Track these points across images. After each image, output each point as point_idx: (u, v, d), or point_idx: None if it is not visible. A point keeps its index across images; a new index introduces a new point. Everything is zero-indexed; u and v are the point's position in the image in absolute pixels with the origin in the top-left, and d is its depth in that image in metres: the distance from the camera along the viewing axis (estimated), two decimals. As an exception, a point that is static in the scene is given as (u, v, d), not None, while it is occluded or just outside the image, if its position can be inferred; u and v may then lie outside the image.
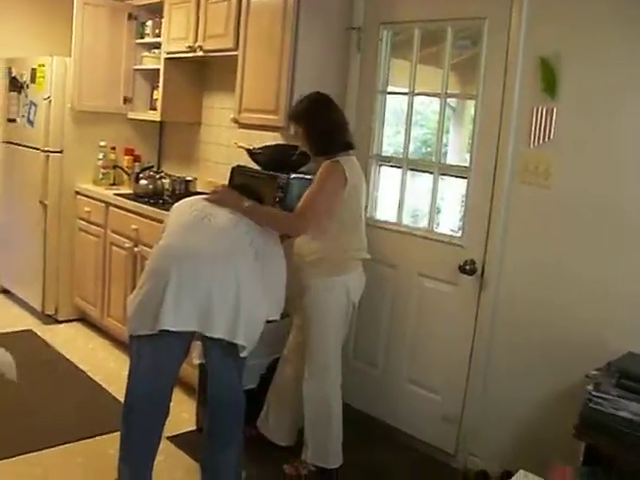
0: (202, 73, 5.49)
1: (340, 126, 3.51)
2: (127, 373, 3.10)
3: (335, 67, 4.37)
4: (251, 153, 4.46)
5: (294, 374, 3.70)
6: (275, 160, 4.34)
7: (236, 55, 4.54)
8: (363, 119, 4.36)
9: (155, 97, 5.56)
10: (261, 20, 4.34)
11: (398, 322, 4.24)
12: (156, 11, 5.47)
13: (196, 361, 3.77)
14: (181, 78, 5.37)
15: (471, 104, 3.99)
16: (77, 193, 5.63)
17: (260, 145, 4.49)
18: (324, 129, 3.46)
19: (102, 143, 5.58)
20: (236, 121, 4.55)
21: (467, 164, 3.91)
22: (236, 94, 4.54)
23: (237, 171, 4.53)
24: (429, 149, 4.57)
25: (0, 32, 6.04)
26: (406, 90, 4.18)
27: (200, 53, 4.87)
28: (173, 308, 2.91)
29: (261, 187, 4.25)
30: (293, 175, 4.20)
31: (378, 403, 4.36)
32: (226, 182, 4.73)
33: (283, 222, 3.39)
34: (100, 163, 5.59)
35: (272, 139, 4.60)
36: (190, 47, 4.90)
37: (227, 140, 5.24)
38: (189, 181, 5.21)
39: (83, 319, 5.71)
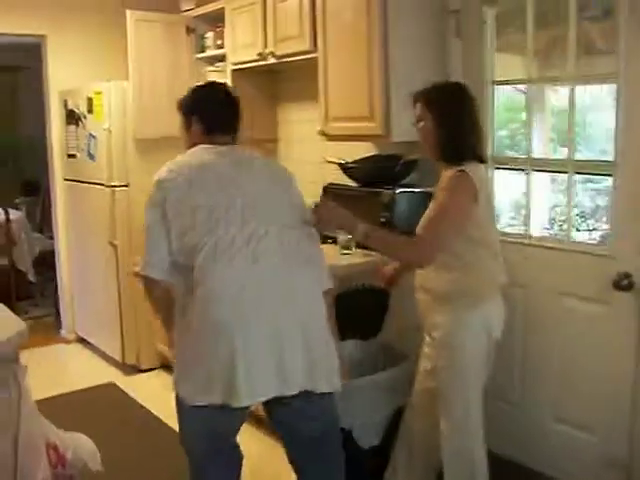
0: (274, 83, 4.95)
1: (477, 129, 2.89)
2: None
3: (432, 59, 3.74)
4: (344, 168, 3.88)
5: (425, 427, 3.11)
6: (374, 173, 3.76)
7: (315, 58, 3.99)
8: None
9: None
10: (342, 14, 3.75)
11: (534, 351, 3.60)
12: (216, 20, 4.95)
13: None
14: (252, 91, 4.83)
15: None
16: (149, 229, 5.10)
17: (353, 158, 3.91)
18: (460, 128, 2.82)
19: (170, 171, 5.04)
20: (323, 133, 3.97)
21: (611, 158, 3.23)
22: (320, 102, 3.97)
23: (330, 190, 3.95)
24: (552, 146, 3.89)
25: (53, 63, 5.60)
26: (522, 77, 3.55)
27: (272, 60, 4.33)
28: (246, 379, 2.40)
29: (361, 207, 3.70)
30: (399, 190, 3.60)
31: (516, 445, 3.71)
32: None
33: (404, 251, 2.81)
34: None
35: (365, 150, 4.04)
36: (260, 54, 4.36)
37: (311, 155, 4.67)
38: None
39: (167, 366, 5.19)
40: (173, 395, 2.61)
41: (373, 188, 3.70)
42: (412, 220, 3.62)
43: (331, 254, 3.64)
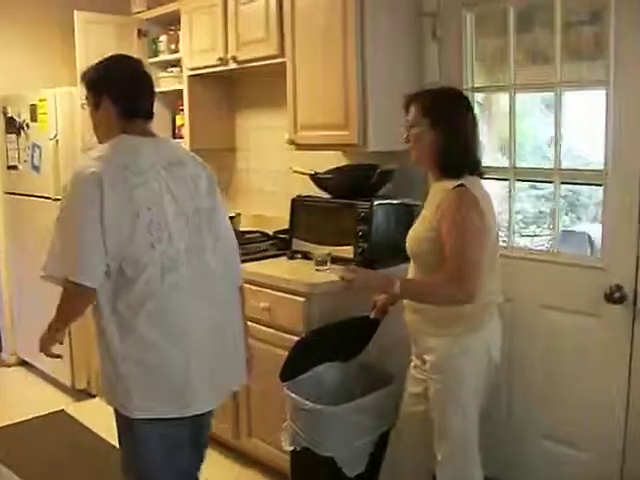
0: (232, 89, 4.71)
1: (477, 140, 2.69)
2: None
3: (408, 64, 3.57)
4: (316, 178, 3.65)
5: (412, 452, 2.93)
6: (349, 184, 3.55)
7: (281, 63, 3.75)
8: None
9: (179, 123, 4.75)
10: (313, 16, 3.54)
11: (520, 365, 3.44)
12: (170, 23, 4.70)
13: (287, 447, 3.08)
14: (209, 98, 4.58)
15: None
16: (98, 245, 4.78)
17: (320, 168, 3.70)
18: (463, 138, 2.62)
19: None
20: (292, 142, 3.73)
21: (600, 167, 3.09)
22: (288, 110, 3.74)
23: (300, 203, 3.73)
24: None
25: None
26: (502, 84, 3.39)
27: (234, 65, 4.07)
28: (205, 382, 2.46)
29: (335, 219, 3.51)
30: (377, 201, 3.40)
31: (502, 464, 3.53)
32: (285, 216, 3.97)
33: (446, 294, 2.57)
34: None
35: (333, 160, 3.84)
36: (221, 59, 4.10)
37: (272, 165, 4.45)
38: (232, 217, 4.32)
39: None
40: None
41: (348, 200, 3.49)
42: (389, 233, 3.47)
43: (304, 271, 3.41)
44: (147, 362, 2.36)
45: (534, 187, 3.96)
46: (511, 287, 3.40)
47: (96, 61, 2.55)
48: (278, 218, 4.29)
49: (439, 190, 2.62)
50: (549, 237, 3.60)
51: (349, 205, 3.44)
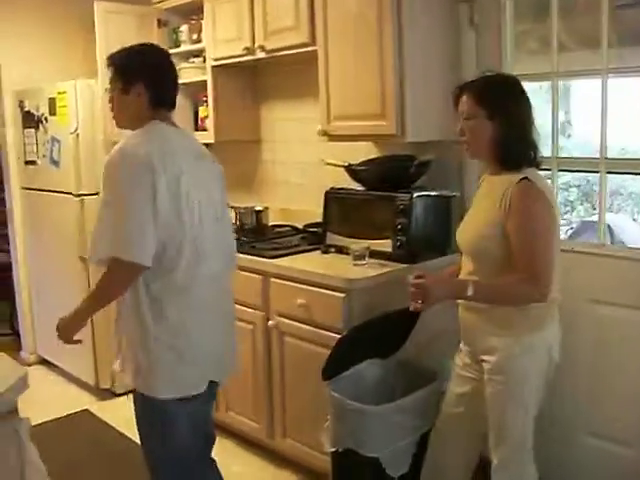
0: (258, 80, 4.57)
1: (535, 129, 2.54)
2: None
3: (444, 52, 3.45)
4: (352, 171, 3.54)
5: (455, 453, 2.83)
6: (387, 176, 3.43)
7: (311, 52, 3.64)
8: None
9: (202, 115, 4.63)
10: (346, 2, 3.42)
11: (568, 361, 3.31)
12: (191, 12, 4.57)
13: (329, 448, 2.98)
14: (233, 88, 4.46)
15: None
16: (121, 241, 4.68)
17: (352, 160, 3.59)
18: (522, 128, 2.48)
19: (145, 178, 4.62)
20: (325, 133, 3.62)
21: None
22: (321, 100, 3.62)
23: (333, 196, 3.62)
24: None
25: (6, 59, 5.12)
26: (546, 71, 3.27)
27: (261, 54, 3.95)
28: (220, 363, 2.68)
29: (372, 212, 3.41)
30: (417, 193, 3.29)
31: (547, 461, 3.42)
32: (313, 209, 3.87)
33: (523, 294, 2.46)
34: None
35: (363, 151, 3.72)
36: (247, 49, 3.98)
37: (300, 157, 4.33)
38: (259, 211, 4.24)
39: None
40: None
41: (385, 192, 3.38)
42: (428, 226, 3.36)
43: (341, 266, 3.30)
44: (178, 347, 2.45)
45: (546, 177, 3.82)
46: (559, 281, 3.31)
47: (122, 47, 2.58)
48: (306, 211, 4.19)
49: (499, 183, 2.49)
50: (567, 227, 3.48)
51: (387, 197, 3.33)
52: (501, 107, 2.46)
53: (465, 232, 2.64)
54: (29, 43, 5.16)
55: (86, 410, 4.60)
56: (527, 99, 2.52)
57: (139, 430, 2.63)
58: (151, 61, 2.56)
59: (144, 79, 2.49)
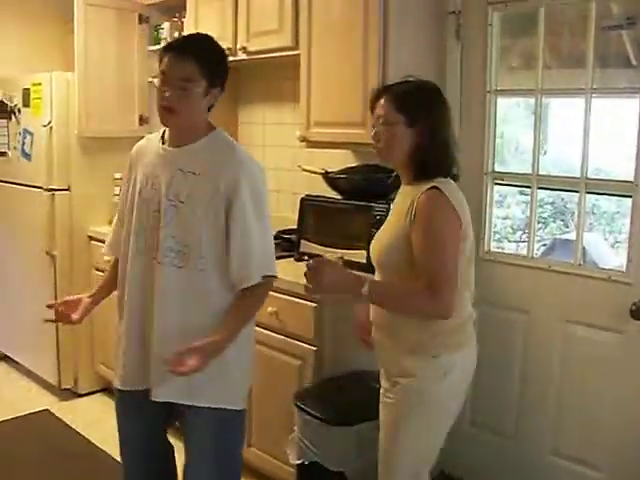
0: (236, 82, 4.49)
1: (454, 140, 2.44)
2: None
3: (429, 63, 3.41)
4: (329, 178, 3.49)
5: None
6: (364, 185, 3.38)
7: (292, 56, 3.58)
8: (469, 127, 3.41)
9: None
10: (332, 7, 3.37)
11: (534, 379, 3.33)
12: (173, 10, 4.49)
13: (294, 460, 2.95)
14: (212, 89, 4.37)
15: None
16: (91, 238, 4.61)
17: (328, 167, 3.56)
18: (441, 138, 2.36)
19: (117, 175, 4.51)
20: (304, 139, 3.56)
21: (631, 178, 2.96)
22: (302, 105, 3.57)
23: (309, 203, 3.56)
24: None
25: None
26: (530, 87, 3.25)
27: (243, 56, 3.88)
28: None
29: (347, 221, 3.36)
30: (393, 204, 3.25)
31: (509, 478, 3.42)
32: (287, 215, 3.82)
33: (418, 306, 2.31)
34: (115, 200, 4.56)
35: (341, 159, 3.67)
36: (229, 49, 3.90)
37: (276, 162, 4.25)
38: (234, 215, 4.17)
39: (108, 389, 4.68)
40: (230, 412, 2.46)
41: (361, 201, 3.33)
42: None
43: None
44: (251, 353, 2.56)
45: (522, 193, 3.82)
46: (528, 299, 3.29)
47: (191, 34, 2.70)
48: (280, 217, 4.10)
49: (410, 193, 2.35)
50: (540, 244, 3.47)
51: (364, 207, 3.28)
52: (422, 115, 2.32)
53: (375, 243, 2.51)
54: (5, 33, 5.06)
55: (46, 410, 4.49)
56: (448, 109, 2.42)
57: (210, 446, 2.47)
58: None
59: (223, 85, 2.46)
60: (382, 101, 2.37)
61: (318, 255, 3.35)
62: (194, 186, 2.34)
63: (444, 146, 2.36)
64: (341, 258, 3.23)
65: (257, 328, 3.25)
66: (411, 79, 2.43)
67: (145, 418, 2.52)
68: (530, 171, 3.28)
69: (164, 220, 2.35)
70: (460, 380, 2.43)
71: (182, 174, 2.36)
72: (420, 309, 2.31)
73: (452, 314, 2.27)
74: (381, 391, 2.54)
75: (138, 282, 2.42)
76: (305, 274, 2.31)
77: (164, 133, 2.47)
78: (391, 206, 3.12)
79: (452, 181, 2.38)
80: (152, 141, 2.53)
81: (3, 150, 4.96)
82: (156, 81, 2.36)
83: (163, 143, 2.45)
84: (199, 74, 2.28)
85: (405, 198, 2.38)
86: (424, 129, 2.32)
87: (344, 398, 2.95)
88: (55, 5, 5.07)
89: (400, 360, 2.40)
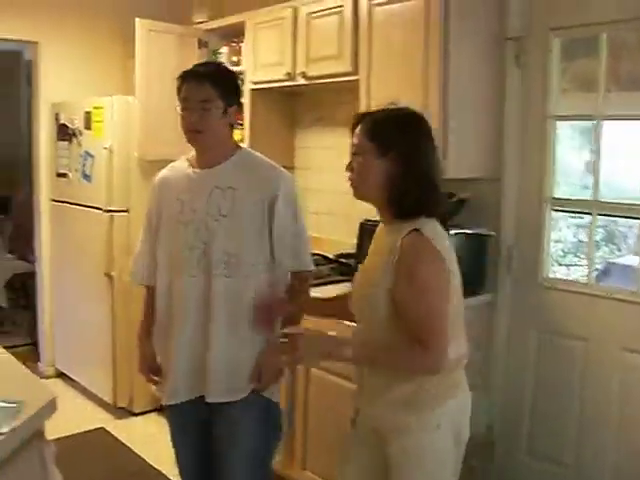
0: (294, 106, 4.54)
1: (439, 175, 2.20)
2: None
3: (488, 89, 3.42)
4: (388, 204, 3.48)
5: None
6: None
7: (351, 81, 3.61)
8: (528, 152, 3.39)
9: (236, 138, 4.58)
10: (392, 33, 3.39)
11: (594, 408, 3.26)
12: (232, 35, 4.56)
13: None
14: (270, 113, 4.43)
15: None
16: (149, 260, 4.65)
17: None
18: (420, 171, 2.13)
19: (177, 197, 4.60)
20: (362, 164, 3.57)
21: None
22: (360, 130, 3.57)
23: (369, 227, 3.55)
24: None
25: (45, 72, 5.15)
26: (588, 112, 3.23)
27: (302, 81, 3.92)
28: None
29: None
30: (453, 230, 3.22)
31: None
32: (343, 239, 3.84)
33: (408, 365, 2.12)
34: (175, 222, 4.62)
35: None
36: (289, 74, 3.96)
37: (332, 186, 4.27)
38: (290, 238, 4.19)
39: (162, 409, 4.69)
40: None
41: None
42: (462, 264, 3.28)
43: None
44: None
45: (574, 216, 3.77)
46: (587, 326, 3.25)
47: (202, 62, 2.95)
48: (334, 241, 4.15)
49: (390, 234, 2.16)
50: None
51: (423, 232, 3.27)
52: (393, 143, 2.11)
53: (355, 293, 2.31)
54: (69, 57, 5.18)
55: (102, 428, 4.55)
56: (427, 138, 2.19)
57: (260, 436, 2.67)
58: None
59: (239, 103, 2.69)
60: (357, 129, 2.19)
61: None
62: (235, 200, 2.53)
63: (422, 178, 2.12)
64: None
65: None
66: (392, 106, 2.26)
67: (196, 424, 2.68)
68: (589, 197, 3.26)
69: (210, 236, 2.53)
70: (449, 437, 2.16)
71: (220, 191, 2.54)
72: (409, 366, 2.12)
73: (445, 367, 2.08)
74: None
75: (191, 300, 2.57)
76: (281, 344, 2.19)
77: (191, 158, 2.66)
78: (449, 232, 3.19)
79: (437, 222, 2.17)
80: (177, 168, 2.71)
81: (64, 171, 5.07)
82: (178, 109, 2.58)
83: (192, 167, 2.64)
84: (215, 95, 2.51)
85: (384, 241, 2.18)
86: (397, 158, 2.10)
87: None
88: (115, 29, 5.19)
89: (378, 403, 2.21)
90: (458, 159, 3.27)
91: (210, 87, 2.50)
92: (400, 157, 2.10)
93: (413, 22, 3.28)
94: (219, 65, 2.75)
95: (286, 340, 2.14)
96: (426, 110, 3.19)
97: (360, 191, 2.21)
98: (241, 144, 2.71)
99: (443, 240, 2.15)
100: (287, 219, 2.60)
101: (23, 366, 2.35)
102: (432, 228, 2.12)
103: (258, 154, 2.71)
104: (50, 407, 2.01)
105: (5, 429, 1.77)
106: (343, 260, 3.78)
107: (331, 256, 3.94)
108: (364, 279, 2.25)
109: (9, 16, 4.92)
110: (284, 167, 4.45)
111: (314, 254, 4.03)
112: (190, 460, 2.76)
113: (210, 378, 2.54)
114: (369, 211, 3.61)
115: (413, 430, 2.12)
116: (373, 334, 2.19)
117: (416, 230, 2.07)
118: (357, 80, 3.58)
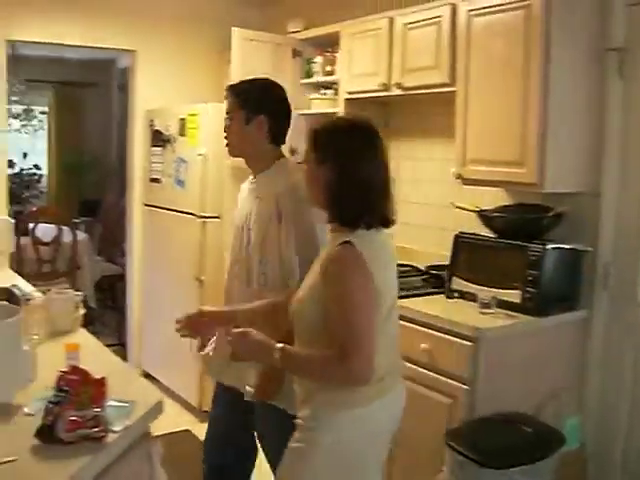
0: (387, 116, 4.53)
1: (384, 187, 2.19)
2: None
3: (589, 101, 3.34)
4: (484, 217, 3.46)
5: None
6: (519, 225, 3.34)
7: (448, 92, 3.58)
8: (630, 167, 3.31)
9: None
10: (491, 44, 3.36)
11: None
12: (327, 44, 4.60)
13: None
14: (362, 123, 4.42)
15: None
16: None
17: (481, 205, 3.56)
18: (359, 182, 2.13)
19: (267, 205, 4.66)
20: (459, 176, 3.55)
21: None
22: (457, 143, 3.55)
23: (463, 240, 3.53)
24: None
25: (141, 80, 5.29)
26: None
27: (397, 91, 3.91)
28: None
29: (501, 261, 3.31)
30: (551, 245, 3.19)
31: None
32: (434, 251, 3.82)
33: (328, 376, 2.14)
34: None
35: (492, 196, 3.65)
36: (384, 85, 3.96)
37: (423, 197, 4.28)
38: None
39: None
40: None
41: (516, 241, 3.28)
42: (559, 280, 3.25)
43: (468, 313, 3.21)
44: None
45: None
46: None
47: (245, 78, 2.77)
48: (425, 253, 4.12)
49: (329, 245, 2.21)
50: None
51: (520, 247, 3.23)
52: (330, 153, 2.15)
53: (294, 299, 2.30)
54: (165, 64, 5.30)
55: (187, 430, 4.61)
56: (379, 151, 2.19)
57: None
58: (278, 97, 2.69)
59: (267, 113, 2.60)
60: (308, 139, 2.27)
61: (469, 293, 3.36)
62: (257, 209, 2.62)
63: (358, 188, 2.12)
64: (494, 297, 3.19)
65: (408, 364, 3.27)
66: (339, 117, 2.42)
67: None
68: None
69: (248, 247, 2.64)
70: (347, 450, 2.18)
71: (257, 201, 2.64)
72: (331, 378, 2.13)
73: (368, 380, 2.08)
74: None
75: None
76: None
77: None
78: (546, 246, 3.15)
79: (376, 232, 2.18)
80: (250, 179, 2.78)
81: (157, 177, 5.18)
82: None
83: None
84: (237, 105, 2.60)
85: (326, 250, 2.22)
86: (333, 167, 2.13)
87: (496, 440, 2.88)
88: (211, 37, 5.31)
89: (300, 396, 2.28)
90: (556, 173, 3.20)
91: (232, 98, 2.63)
92: (335, 166, 2.13)
93: (513, 32, 3.24)
94: (249, 79, 2.75)
95: (230, 338, 2.27)
96: (525, 122, 3.19)
97: (312, 199, 2.28)
98: (281, 157, 2.69)
99: (378, 253, 2.15)
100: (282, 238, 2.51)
101: (129, 366, 2.41)
102: (366, 241, 2.12)
103: (289, 164, 2.72)
104: (157, 408, 2.05)
105: (119, 427, 1.81)
106: (435, 272, 3.75)
107: (423, 267, 3.91)
108: (304, 289, 2.25)
109: (109, 25, 5.10)
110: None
111: (405, 265, 4.05)
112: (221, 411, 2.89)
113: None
114: (460, 223, 3.63)
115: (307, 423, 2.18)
116: (304, 338, 2.23)
117: (348, 242, 2.09)
118: (454, 91, 3.56)
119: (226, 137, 2.69)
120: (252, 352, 2.26)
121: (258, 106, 2.59)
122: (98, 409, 1.80)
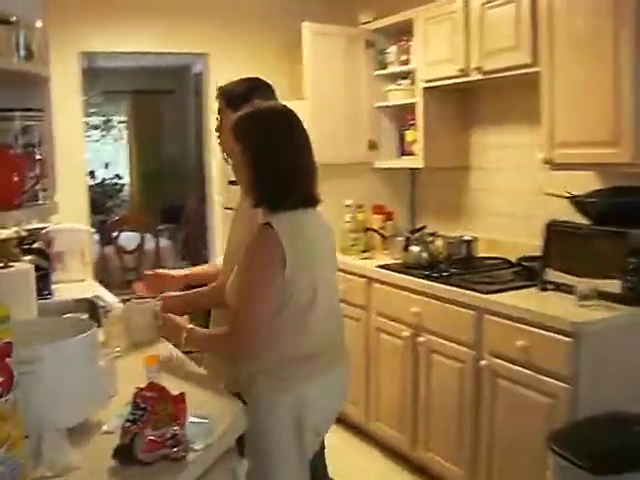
0: (468, 103, 4.36)
1: (302, 168, 2.25)
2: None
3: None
4: (577, 202, 3.25)
5: None
6: (616, 210, 3.12)
7: (531, 73, 3.39)
8: None
9: (409, 139, 4.48)
10: (574, 19, 3.16)
11: None
12: (400, 33, 4.45)
13: None
14: (443, 112, 4.27)
15: None
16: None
17: (573, 190, 3.31)
18: (274, 166, 2.20)
19: (348, 202, 4.53)
20: (548, 161, 3.35)
21: None
22: (544, 126, 3.35)
23: (557, 229, 3.33)
24: None
25: (214, 82, 5.24)
26: None
27: (477, 76, 3.73)
28: None
29: (597, 249, 3.10)
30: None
31: None
32: (525, 241, 3.63)
33: (224, 347, 2.28)
34: (348, 227, 4.54)
35: (585, 180, 3.42)
36: (462, 70, 3.78)
37: (510, 185, 4.08)
38: (469, 241, 4.00)
39: (339, 419, 4.64)
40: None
41: (614, 227, 3.06)
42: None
43: (565, 306, 3.01)
44: None
45: None
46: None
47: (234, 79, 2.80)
48: (515, 243, 3.93)
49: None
50: None
51: (619, 233, 3.00)
52: (245, 139, 2.22)
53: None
54: (237, 65, 5.23)
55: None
56: (294, 133, 2.25)
57: None
58: (262, 95, 2.63)
59: None
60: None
61: (565, 284, 3.16)
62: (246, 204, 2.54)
63: (274, 171, 2.19)
64: (595, 289, 2.98)
65: (500, 361, 3.11)
66: (259, 104, 2.31)
67: None
68: None
69: None
70: (291, 429, 2.21)
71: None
72: (226, 350, 2.28)
73: (254, 350, 2.17)
74: None
75: None
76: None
77: None
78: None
79: (302, 213, 2.22)
80: None
81: (235, 179, 5.10)
82: None
83: None
84: (224, 104, 2.65)
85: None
86: (248, 152, 2.21)
87: (604, 443, 2.68)
88: (281, 34, 5.21)
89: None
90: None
91: (221, 99, 2.69)
92: (250, 151, 2.20)
93: (600, 7, 3.03)
94: (239, 80, 2.78)
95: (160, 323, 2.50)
96: (617, 100, 2.97)
97: (242, 187, 2.38)
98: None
99: (301, 233, 2.20)
100: None
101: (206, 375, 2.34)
102: (284, 222, 2.16)
103: None
104: (240, 423, 1.95)
105: (200, 446, 1.72)
106: (526, 264, 3.55)
107: (513, 260, 3.72)
108: (232, 274, 2.31)
109: (181, 30, 5.10)
110: (459, 167, 4.37)
111: (494, 257, 3.87)
112: None
113: None
114: (550, 210, 3.43)
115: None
116: (226, 315, 2.33)
117: (267, 224, 2.14)
118: (537, 72, 3.36)
119: (218, 136, 2.72)
120: (168, 331, 2.47)
121: (242, 105, 2.52)
122: (177, 427, 1.71)
